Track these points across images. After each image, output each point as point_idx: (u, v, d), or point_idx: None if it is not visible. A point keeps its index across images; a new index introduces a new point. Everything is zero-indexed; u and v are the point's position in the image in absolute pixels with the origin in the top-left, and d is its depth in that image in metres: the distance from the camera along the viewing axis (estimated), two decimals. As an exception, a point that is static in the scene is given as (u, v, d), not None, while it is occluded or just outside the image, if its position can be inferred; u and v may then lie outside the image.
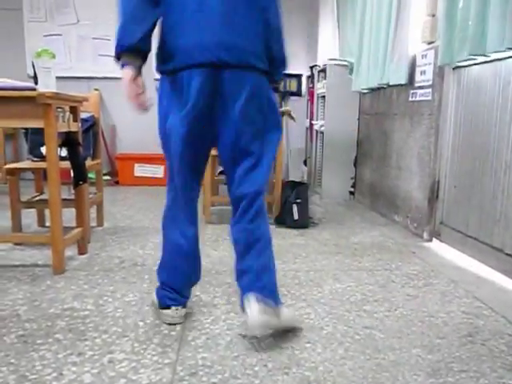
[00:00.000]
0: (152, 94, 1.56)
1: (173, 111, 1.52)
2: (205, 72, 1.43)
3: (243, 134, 1.50)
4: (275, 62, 1.60)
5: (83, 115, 2.71)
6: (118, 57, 1.47)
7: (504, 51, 2.01)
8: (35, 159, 2.70)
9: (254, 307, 1.42)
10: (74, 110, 2.35)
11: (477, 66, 2.37)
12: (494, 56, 2.16)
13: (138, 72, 1.50)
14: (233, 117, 1.48)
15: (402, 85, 3.09)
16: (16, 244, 2.58)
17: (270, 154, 1.57)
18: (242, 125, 1.49)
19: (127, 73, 1.47)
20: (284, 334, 1.55)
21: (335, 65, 4.10)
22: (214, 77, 1.43)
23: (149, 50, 1.50)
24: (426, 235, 2.83)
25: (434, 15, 2.66)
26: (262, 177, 1.56)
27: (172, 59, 1.48)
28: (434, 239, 2.80)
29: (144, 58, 1.51)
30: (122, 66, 1.48)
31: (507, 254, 2.11)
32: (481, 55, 2.17)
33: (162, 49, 1.53)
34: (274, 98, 1.60)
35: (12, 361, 1.38)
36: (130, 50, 1.45)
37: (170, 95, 1.52)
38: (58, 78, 2.22)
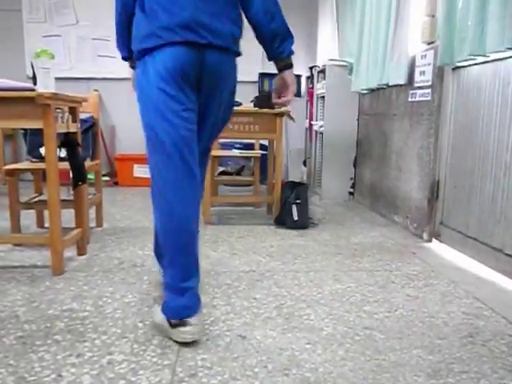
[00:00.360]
0: None
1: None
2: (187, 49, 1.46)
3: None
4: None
5: (82, 116, 2.70)
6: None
7: (504, 51, 2.01)
8: (34, 160, 2.70)
9: None
10: (73, 111, 2.35)
11: (476, 66, 2.37)
12: (493, 56, 2.15)
13: None
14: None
15: (401, 85, 3.09)
16: (15, 245, 2.58)
17: None
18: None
19: (132, 73, 1.77)
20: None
21: (334, 65, 4.10)
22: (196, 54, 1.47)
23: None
24: (425, 236, 2.83)
25: (433, 16, 2.65)
26: None
27: (154, 37, 1.46)
28: (433, 240, 2.79)
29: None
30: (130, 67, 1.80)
31: (507, 255, 2.11)
32: (480, 55, 2.17)
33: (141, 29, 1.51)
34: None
35: (11, 362, 1.37)
36: (127, 61, 1.78)
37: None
38: (57, 78, 2.22)
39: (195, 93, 1.52)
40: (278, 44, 1.64)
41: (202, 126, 1.60)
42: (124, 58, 1.78)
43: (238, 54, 1.61)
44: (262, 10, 1.58)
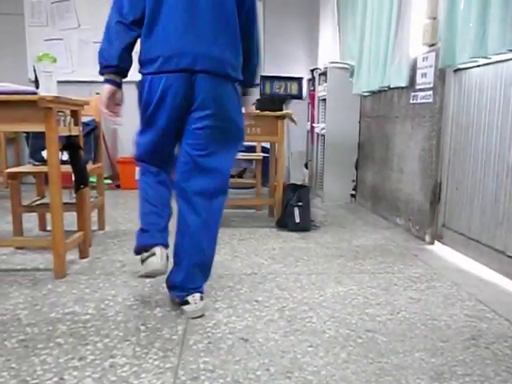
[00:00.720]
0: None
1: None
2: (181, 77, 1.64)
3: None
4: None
5: (84, 119, 2.71)
6: (101, 74, 1.72)
7: (505, 53, 2.01)
8: (36, 163, 2.70)
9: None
10: (75, 114, 2.35)
11: (478, 68, 2.36)
12: (495, 58, 2.15)
13: (118, 87, 1.74)
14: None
15: (402, 87, 3.09)
16: (17, 248, 2.58)
17: None
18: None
19: (106, 88, 1.71)
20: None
21: (336, 68, 4.10)
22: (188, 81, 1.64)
23: (127, 67, 1.71)
24: (428, 238, 2.82)
25: (434, 18, 2.66)
26: None
27: (154, 63, 1.64)
28: (436, 242, 2.79)
29: (124, 75, 1.73)
30: (104, 81, 1.72)
31: (510, 257, 2.10)
32: (482, 57, 2.17)
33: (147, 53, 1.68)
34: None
35: (13, 365, 1.37)
36: (109, 70, 1.69)
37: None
38: (59, 82, 2.22)
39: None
40: (256, 77, 1.92)
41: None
42: (107, 67, 1.70)
43: (237, 79, 1.76)
44: (256, 52, 1.85)
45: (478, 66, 2.34)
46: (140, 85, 1.70)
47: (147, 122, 1.74)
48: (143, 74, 1.70)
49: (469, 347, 1.52)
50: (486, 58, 2.15)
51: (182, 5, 1.61)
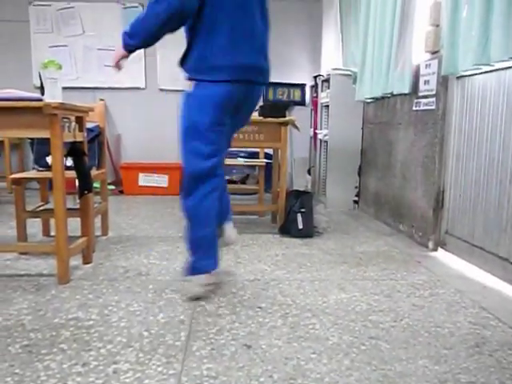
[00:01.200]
0: None
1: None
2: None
3: None
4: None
5: (89, 125, 2.72)
6: (127, 44, 1.89)
7: (508, 61, 2.01)
8: (41, 169, 2.72)
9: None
10: (79, 120, 2.37)
11: (481, 76, 2.37)
12: (497, 65, 2.16)
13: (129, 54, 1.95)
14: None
15: (405, 94, 3.10)
16: (21, 253, 2.59)
17: None
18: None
19: (123, 53, 1.93)
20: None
21: (339, 74, 4.11)
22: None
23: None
24: (431, 245, 2.82)
25: (437, 25, 2.67)
26: None
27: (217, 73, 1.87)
28: (439, 249, 2.78)
29: None
30: (125, 47, 1.90)
31: (514, 264, 2.10)
32: (485, 65, 2.17)
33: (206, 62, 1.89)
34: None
35: (17, 371, 1.38)
36: (137, 47, 1.91)
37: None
38: (63, 88, 2.24)
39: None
40: None
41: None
42: (131, 46, 1.89)
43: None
44: None
45: (481, 73, 2.35)
46: (199, 90, 1.89)
47: (219, 123, 1.92)
48: (203, 81, 1.88)
49: (472, 355, 1.52)
50: (488, 65, 2.16)
51: (242, 15, 1.86)
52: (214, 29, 1.83)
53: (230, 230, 2.22)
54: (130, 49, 1.90)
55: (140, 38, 1.85)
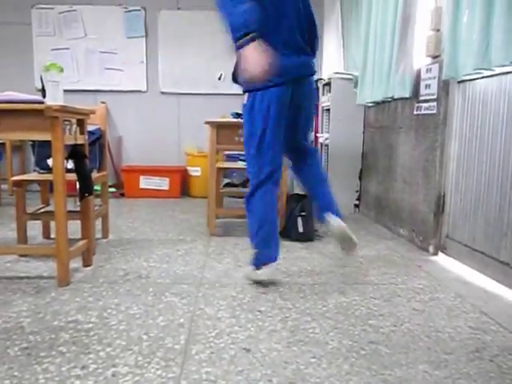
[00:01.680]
0: None
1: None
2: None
3: None
4: None
5: (90, 128, 2.73)
6: (244, 35, 1.84)
7: (509, 65, 2.01)
8: (42, 171, 2.72)
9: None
10: (80, 123, 2.38)
11: (481, 80, 2.37)
12: (498, 70, 2.16)
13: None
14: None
15: (406, 98, 3.10)
16: (21, 256, 2.59)
17: None
18: None
19: (253, 45, 1.83)
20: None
21: (340, 78, 4.12)
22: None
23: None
24: (431, 249, 2.81)
25: (438, 30, 2.67)
26: None
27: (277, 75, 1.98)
28: (439, 253, 2.78)
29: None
30: (248, 41, 1.83)
31: (514, 269, 2.09)
32: (485, 69, 2.17)
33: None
34: None
35: (15, 373, 1.37)
36: (250, 30, 1.84)
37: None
38: (65, 91, 2.25)
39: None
40: None
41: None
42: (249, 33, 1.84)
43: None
44: None
45: (482, 77, 2.35)
46: (265, 96, 2.04)
47: (278, 124, 2.10)
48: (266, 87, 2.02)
49: (473, 360, 1.51)
50: (489, 69, 2.16)
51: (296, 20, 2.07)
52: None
53: (333, 220, 2.27)
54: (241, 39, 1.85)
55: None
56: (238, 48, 1.86)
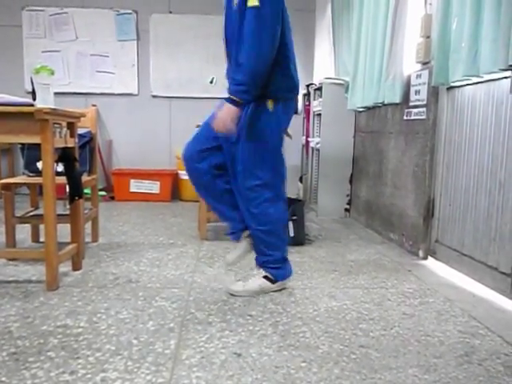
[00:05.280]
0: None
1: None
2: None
3: None
4: None
5: (80, 131, 2.71)
6: (238, 96, 1.90)
7: (497, 72, 2.04)
8: (31, 174, 2.70)
9: None
10: (71, 126, 2.36)
11: (470, 86, 2.40)
12: (487, 77, 2.19)
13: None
14: None
15: (396, 104, 3.13)
16: (9, 259, 2.56)
17: None
18: None
19: (235, 110, 1.90)
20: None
21: (331, 84, 4.14)
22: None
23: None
24: (421, 253, 2.83)
25: (428, 37, 2.70)
26: None
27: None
28: (429, 257, 2.80)
29: None
30: (232, 102, 1.90)
31: (502, 273, 2.12)
32: (474, 76, 2.20)
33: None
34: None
35: (3, 379, 1.35)
36: (250, 96, 1.93)
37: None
38: (55, 93, 2.23)
39: None
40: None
41: None
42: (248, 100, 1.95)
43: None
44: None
45: (471, 84, 2.38)
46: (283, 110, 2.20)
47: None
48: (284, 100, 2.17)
49: (462, 364, 1.52)
50: (478, 76, 2.19)
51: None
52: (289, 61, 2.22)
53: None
54: (247, 100, 1.93)
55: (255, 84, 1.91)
56: (228, 99, 1.90)
